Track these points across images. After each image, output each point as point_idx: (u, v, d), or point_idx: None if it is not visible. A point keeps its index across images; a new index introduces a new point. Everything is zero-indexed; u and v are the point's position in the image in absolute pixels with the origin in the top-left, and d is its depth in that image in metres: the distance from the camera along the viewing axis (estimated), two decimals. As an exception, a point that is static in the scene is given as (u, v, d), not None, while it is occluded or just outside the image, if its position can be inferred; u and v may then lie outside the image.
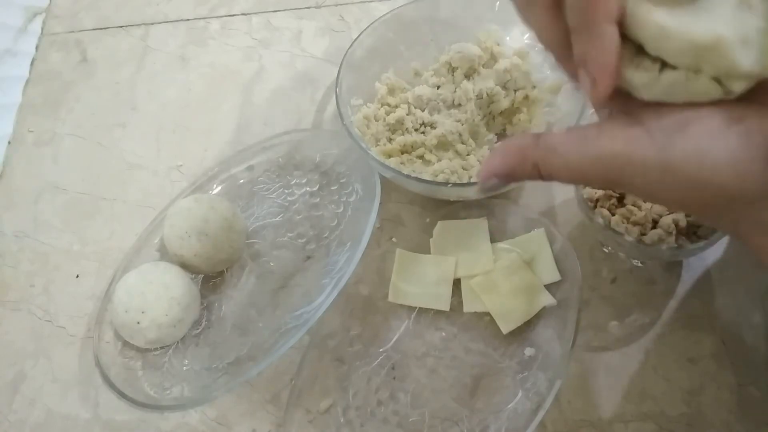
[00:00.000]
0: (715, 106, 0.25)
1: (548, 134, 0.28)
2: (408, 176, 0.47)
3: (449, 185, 0.48)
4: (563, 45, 0.28)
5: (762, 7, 0.24)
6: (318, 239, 0.52)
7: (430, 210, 0.53)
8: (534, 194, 0.53)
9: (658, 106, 0.26)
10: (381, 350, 0.47)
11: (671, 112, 0.25)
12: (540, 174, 0.28)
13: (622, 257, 0.49)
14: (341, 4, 0.68)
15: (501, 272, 0.47)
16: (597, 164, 0.26)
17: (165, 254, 0.53)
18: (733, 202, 0.25)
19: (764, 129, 0.24)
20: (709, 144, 0.24)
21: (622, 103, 0.27)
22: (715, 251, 0.48)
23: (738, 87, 0.24)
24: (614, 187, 0.30)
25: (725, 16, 0.24)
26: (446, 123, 0.53)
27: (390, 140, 0.53)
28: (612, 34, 0.25)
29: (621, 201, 0.45)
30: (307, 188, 0.55)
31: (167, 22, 0.70)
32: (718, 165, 0.24)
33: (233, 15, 0.70)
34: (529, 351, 0.45)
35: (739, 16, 0.24)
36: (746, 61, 0.24)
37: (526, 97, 0.54)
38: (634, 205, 0.45)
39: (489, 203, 0.51)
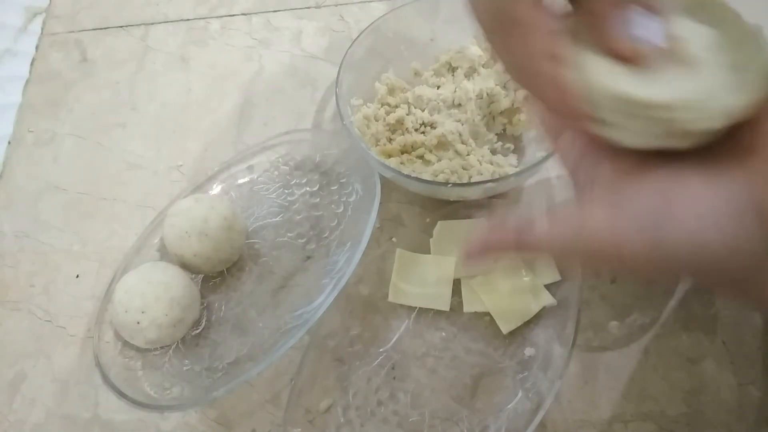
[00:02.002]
0: (693, 167, 0.24)
1: (530, 228, 0.28)
2: (408, 176, 0.48)
3: (449, 185, 0.48)
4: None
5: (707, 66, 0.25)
6: (318, 239, 0.52)
7: (430, 210, 0.53)
8: (534, 194, 0.53)
9: (632, 179, 0.26)
10: (381, 350, 0.47)
11: (647, 185, 0.25)
12: (520, 255, 0.31)
13: (622, 257, 0.49)
14: (341, 4, 0.68)
15: (501, 272, 0.47)
16: (582, 248, 0.26)
17: (165, 254, 0.53)
18: (736, 274, 0.24)
19: (745, 185, 0.23)
20: (697, 226, 0.23)
21: (590, 165, 0.28)
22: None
23: (687, 144, 0.25)
24: (600, 268, 0.31)
25: (672, 82, 0.25)
26: (446, 123, 0.53)
27: (390, 140, 0.53)
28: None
29: (621, 201, 0.45)
30: (307, 188, 0.55)
31: (167, 22, 0.70)
32: (710, 246, 0.23)
33: (233, 15, 0.70)
34: (529, 351, 0.45)
35: (684, 80, 0.24)
36: (691, 122, 0.24)
37: (527, 97, 0.54)
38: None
39: (489, 203, 0.51)
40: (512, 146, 0.54)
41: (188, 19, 0.70)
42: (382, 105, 0.55)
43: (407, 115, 0.54)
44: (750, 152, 0.24)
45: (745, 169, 0.23)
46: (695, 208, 0.23)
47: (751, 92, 0.24)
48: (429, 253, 0.50)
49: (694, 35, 0.25)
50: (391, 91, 0.55)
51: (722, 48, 0.25)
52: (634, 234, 0.24)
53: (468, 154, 0.52)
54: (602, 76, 0.25)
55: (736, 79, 0.24)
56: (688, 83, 0.24)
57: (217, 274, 0.52)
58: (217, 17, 0.70)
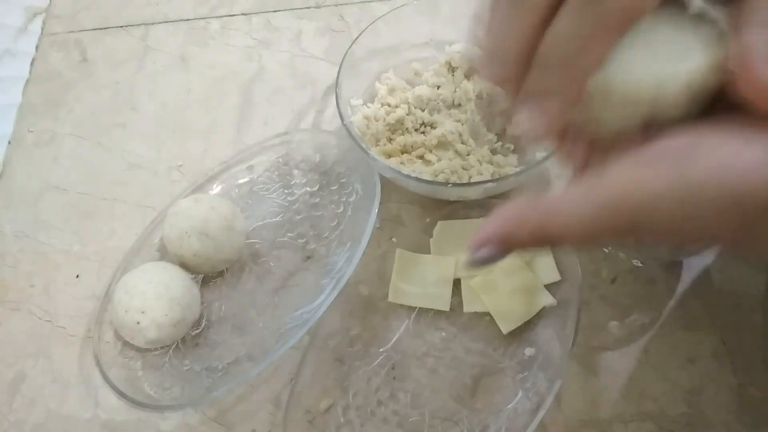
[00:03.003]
0: (702, 124, 0.24)
1: (545, 196, 0.26)
2: (408, 176, 0.48)
3: (449, 185, 0.48)
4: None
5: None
6: (318, 239, 0.52)
7: (430, 210, 0.53)
8: (534, 194, 0.53)
9: (649, 140, 0.25)
10: (381, 350, 0.47)
11: (669, 140, 0.24)
12: (544, 239, 0.25)
13: (622, 257, 0.49)
14: (341, 4, 0.68)
15: (501, 272, 0.47)
16: (606, 212, 0.24)
17: (165, 254, 0.53)
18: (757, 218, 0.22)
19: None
20: (731, 153, 0.22)
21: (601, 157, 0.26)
22: (715, 251, 0.48)
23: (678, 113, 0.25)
24: (631, 234, 0.26)
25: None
26: (446, 123, 0.53)
27: (390, 140, 0.53)
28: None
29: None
30: (307, 188, 0.55)
31: (167, 22, 0.70)
32: (747, 170, 0.21)
33: (233, 15, 0.70)
34: (529, 351, 0.45)
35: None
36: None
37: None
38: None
39: (489, 203, 0.51)
40: (512, 146, 0.54)
41: (188, 19, 0.70)
42: (382, 105, 0.55)
43: (407, 115, 0.54)
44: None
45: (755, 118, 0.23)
46: (725, 143, 0.22)
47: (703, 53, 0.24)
48: (429, 253, 0.50)
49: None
50: (391, 91, 0.55)
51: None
52: (656, 171, 0.23)
53: (468, 154, 0.52)
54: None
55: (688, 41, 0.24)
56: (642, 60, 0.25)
57: (217, 274, 0.52)
58: (217, 17, 0.70)
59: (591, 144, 0.28)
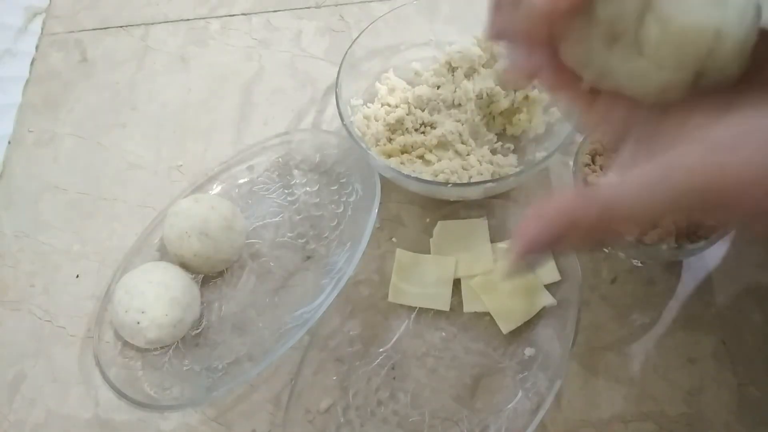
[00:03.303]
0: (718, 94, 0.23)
1: (598, 188, 0.23)
2: (408, 176, 0.48)
3: (449, 185, 0.48)
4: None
5: None
6: (318, 239, 0.52)
7: (430, 210, 0.53)
8: (534, 194, 0.53)
9: (679, 118, 0.23)
10: (381, 350, 0.47)
11: (744, 116, 0.22)
12: (600, 236, 0.23)
13: (622, 257, 0.49)
14: (341, 4, 0.68)
15: (501, 272, 0.47)
16: (685, 196, 0.22)
17: (165, 254, 0.53)
18: None
19: None
20: None
21: (646, 121, 0.24)
22: (715, 251, 0.48)
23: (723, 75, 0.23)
24: (707, 214, 0.24)
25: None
26: (446, 123, 0.53)
27: (390, 140, 0.53)
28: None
29: (621, 201, 0.45)
30: (307, 188, 0.55)
31: (167, 22, 0.70)
32: None
33: (233, 15, 0.70)
34: (529, 351, 0.45)
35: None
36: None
37: (526, 97, 0.54)
38: (634, 205, 0.45)
39: (489, 203, 0.51)
40: (512, 146, 0.54)
41: (188, 19, 0.70)
42: (382, 105, 0.55)
43: (407, 115, 0.54)
44: None
45: None
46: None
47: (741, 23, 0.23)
48: (429, 253, 0.50)
49: None
50: (391, 91, 0.55)
51: None
52: (755, 169, 0.21)
53: (468, 154, 0.52)
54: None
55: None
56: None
57: (217, 274, 0.52)
58: (217, 17, 0.70)
59: (630, 110, 0.26)
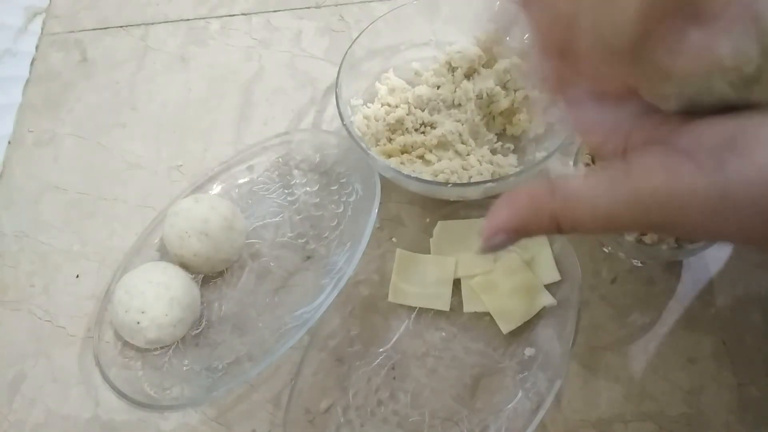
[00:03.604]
0: (752, 113, 0.21)
1: (565, 182, 0.24)
2: (408, 176, 0.48)
3: (449, 185, 0.48)
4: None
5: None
6: (318, 239, 0.52)
7: (430, 210, 0.53)
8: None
9: (684, 126, 0.22)
10: (381, 350, 0.47)
11: (707, 129, 0.22)
12: (559, 227, 0.24)
13: (622, 257, 0.49)
14: (341, 4, 0.68)
15: (501, 272, 0.47)
16: (634, 207, 0.22)
17: (165, 254, 0.53)
18: None
19: None
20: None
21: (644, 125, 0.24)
22: (715, 251, 0.48)
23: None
24: (658, 230, 0.24)
25: None
26: (446, 123, 0.53)
27: (390, 140, 0.53)
28: None
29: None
30: (307, 188, 0.55)
31: (167, 22, 0.70)
32: None
33: (233, 15, 0.70)
34: (529, 351, 0.45)
35: None
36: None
37: (526, 97, 0.54)
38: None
39: (489, 203, 0.50)
40: (512, 146, 0.54)
41: (188, 19, 0.70)
42: (382, 105, 0.55)
43: (407, 115, 0.54)
44: None
45: None
46: (764, 147, 0.20)
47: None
48: (429, 253, 0.50)
49: None
50: (391, 91, 0.55)
51: None
52: (690, 167, 0.21)
53: (468, 154, 0.52)
54: None
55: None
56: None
57: (217, 274, 0.52)
58: (217, 17, 0.70)
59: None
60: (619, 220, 0.23)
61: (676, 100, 0.23)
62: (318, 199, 0.54)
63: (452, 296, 0.48)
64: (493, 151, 0.53)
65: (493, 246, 0.26)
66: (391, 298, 0.49)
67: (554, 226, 0.24)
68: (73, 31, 0.71)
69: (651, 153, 0.22)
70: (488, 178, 0.50)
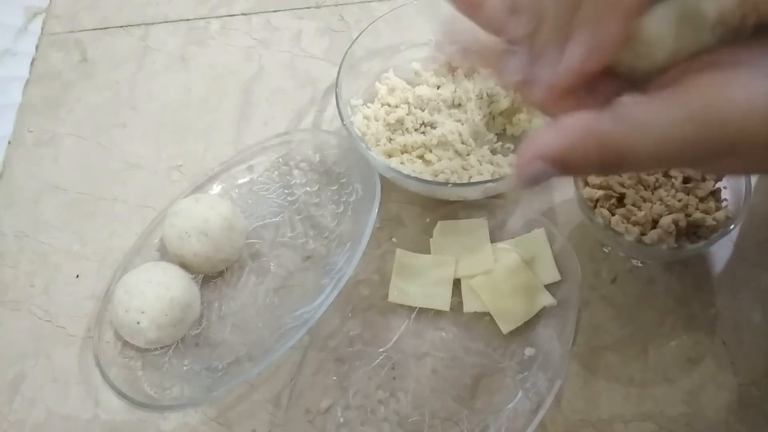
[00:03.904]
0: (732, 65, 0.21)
1: (621, 104, 0.21)
2: (408, 176, 0.48)
3: (449, 185, 0.48)
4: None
5: None
6: (318, 239, 0.52)
7: (430, 210, 0.53)
8: (534, 194, 0.53)
9: (724, 49, 0.22)
10: (381, 350, 0.47)
11: (749, 49, 0.21)
12: (611, 157, 0.21)
13: (622, 257, 0.49)
14: (341, 4, 0.68)
15: (501, 272, 0.47)
16: (692, 126, 0.20)
17: (165, 254, 0.53)
18: None
19: None
20: (748, 102, 0.20)
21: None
22: (715, 251, 0.48)
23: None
24: (715, 156, 0.22)
25: None
26: (446, 123, 0.53)
27: (390, 140, 0.53)
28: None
29: (621, 201, 0.45)
30: (307, 188, 0.55)
31: (167, 22, 0.70)
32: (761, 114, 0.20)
33: (233, 15, 0.70)
34: (529, 351, 0.45)
35: None
36: None
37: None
38: (633, 205, 0.45)
39: (489, 203, 0.51)
40: (512, 146, 0.54)
41: (188, 19, 0.70)
42: (382, 105, 0.55)
43: (407, 115, 0.54)
44: None
45: None
46: (745, 87, 0.20)
47: None
48: (429, 253, 0.50)
49: None
50: (391, 91, 0.55)
51: None
52: (745, 77, 0.20)
53: (468, 154, 0.52)
54: None
55: None
56: None
57: (217, 274, 0.52)
58: (217, 17, 0.70)
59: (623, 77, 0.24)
60: (678, 143, 0.20)
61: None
62: (318, 199, 0.54)
63: (452, 296, 0.48)
64: (493, 151, 0.53)
65: (528, 177, 0.22)
66: (391, 298, 0.49)
67: (607, 156, 0.21)
68: (73, 31, 0.71)
69: (705, 75, 0.21)
70: (488, 178, 0.50)
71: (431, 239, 0.51)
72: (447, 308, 0.48)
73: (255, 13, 0.69)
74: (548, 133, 0.21)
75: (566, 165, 0.21)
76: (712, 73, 0.21)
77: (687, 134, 0.20)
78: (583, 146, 0.21)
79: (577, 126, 0.21)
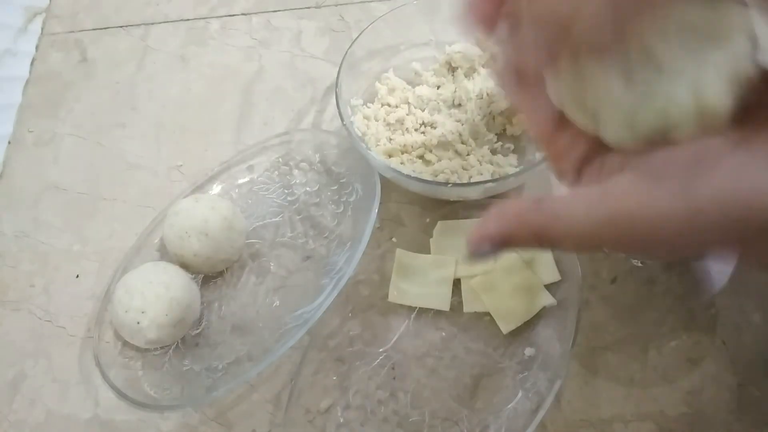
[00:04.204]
0: (708, 137, 0.23)
1: (549, 199, 0.25)
2: (408, 176, 0.48)
3: (449, 185, 0.48)
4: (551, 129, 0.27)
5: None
6: (318, 239, 0.52)
7: (430, 210, 0.53)
8: (534, 194, 0.53)
9: (647, 153, 0.24)
10: (381, 350, 0.47)
11: (672, 153, 0.23)
12: (541, 242, 0.25)
13: (622, 257, 0.49)
14: (341, 4, 0.68)
15: (501, 272, 0.47)
16: (610, 228, 0.23)
17: (165, 254, 0.53)
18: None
19: None
20: (738, 170, 0.22)
21: (599, 164, 0.26)
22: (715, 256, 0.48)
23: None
24: (632, 250, 0.26)
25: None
26: (446, 123, 0.53)
27: (390, 140, 0.53)
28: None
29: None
30: (307, 188, 0.55)
31: (167, 22, 0.70)
32: (756, 187, 0.21)
33: (233, 15, 0.70)
34: (529, 351, 0.45)
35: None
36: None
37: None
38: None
39: (489, 203, 0.51)
40: (512, 146, 0.54)
41: (188, 19, 0.70)
42: (382, 105, 0.55)
43: (407, 115, 0.54)
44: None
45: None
46: (729, 159, 0.22)
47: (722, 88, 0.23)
48: (429, 253, 0.50)
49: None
50: (391, 91, 0.55)
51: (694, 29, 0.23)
52: (661, 190, 0.22)
53: (468, 154, 0.52)
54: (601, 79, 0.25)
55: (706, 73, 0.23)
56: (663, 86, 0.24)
57: (217, 274, 0.52)
58: (217, 17, 0.70)
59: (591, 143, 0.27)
60: (597, 240, 0.24)
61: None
62: (318, 199, 0.54)
63: (452, 296, 0.48)
64: (493, 151, 0.53)
65: (479, 254, 0.27)
66: (391, 298, 0.49)
67: (537, 241, 0.25)
68: (73, 31, 0.71)
69: (625, 178, 0.24)
70: (488, 178, 0.50)
71: (431, 239, 0.51)
72: (447, 308, 0.48)
73: (255, 13, 0.69)
74: (492, 219, 0.26)
75: (509, 245, 0.26)
76: (632, 175, 0.24)
77: (599, 233, 0.24)
78: (519, 232, 0.25)
79: (513, 215, 0.25)
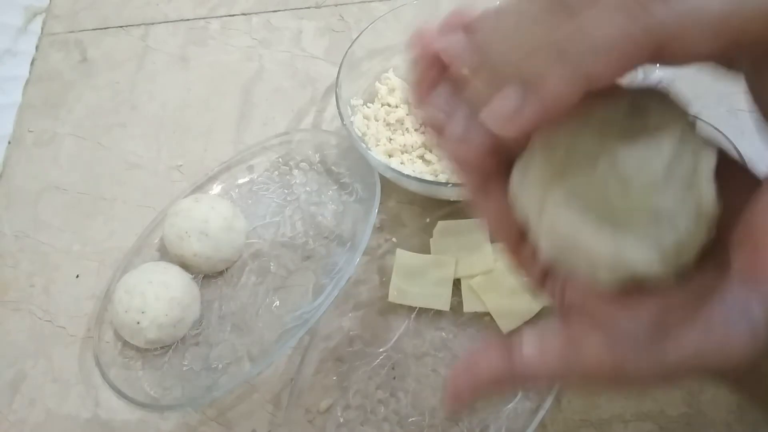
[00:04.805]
0: (667, 297, 0.23)
1: (519, 351, 0.25)
2: (408, 176, 0.48)
3: (449, 185, 0.48)
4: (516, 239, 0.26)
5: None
6: (318, 239, 0.52)
7: (430, 210, 0.53)
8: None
9: (617, 306, 0.24)
10: (381, 350, 0.47)
11: (638, 310, 0.23)
12: (512, 390, 0.28)
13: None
14: (341, 4, 0.68)
15: (501, 272, 0.47)
16: (584, 381, 0.25)
17: (165, 254, 0.53)
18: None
19: (741, 302, 0.22)
20: (703, 329, 0.22)
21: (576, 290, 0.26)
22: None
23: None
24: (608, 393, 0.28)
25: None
26: (446, 123, 0.53)
27: (390, 140, 0.53)
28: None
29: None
30: (307, 188, 0.55)
31: (167, 22, 0.70)
32: (723, 350, 0.22)
33: (233, 15, 0.70)
34: (529, 351, 0.45)
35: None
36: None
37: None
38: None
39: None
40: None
41: (188, 19, 0.70)
42: (382, 105, 0.55)
43: (407, 115, 0.54)
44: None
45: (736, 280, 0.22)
46: (691, 329, 0.22)
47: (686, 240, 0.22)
48: (429, 253, 0.50)
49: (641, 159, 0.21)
50: (391, 91, 0.55)
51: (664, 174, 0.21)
52: (634, 351, 0.23)
53: (468, 154, 0.52)
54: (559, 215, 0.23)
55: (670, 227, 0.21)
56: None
57: (217, 274, 0.52)
58: (217, 17, 0.70)
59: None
60: (572, 387, 0.28)
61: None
62: (318, 199, 0.54)
63: (452, 296, 0.48)
64: (493, 151, 0.53)
65: (458, 410, 0.30)
66: (391, 298, 0.49)
67: (509, 389, 0.28)
68: (73, 31, 0.71)
69: (594, 335, 0.24)
70: (488, 178, 0.50)
71: (431, 239, 0.51)
72: (447, 308, 0.48)
73: (255, 13, 0.69)
74: (464, 376, 0.26)
75: (484, 396, 0.29)
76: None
77: (569, 384, 0.27)
78: (492, 387, 0.26)
79: (485, 372, 0.26)
